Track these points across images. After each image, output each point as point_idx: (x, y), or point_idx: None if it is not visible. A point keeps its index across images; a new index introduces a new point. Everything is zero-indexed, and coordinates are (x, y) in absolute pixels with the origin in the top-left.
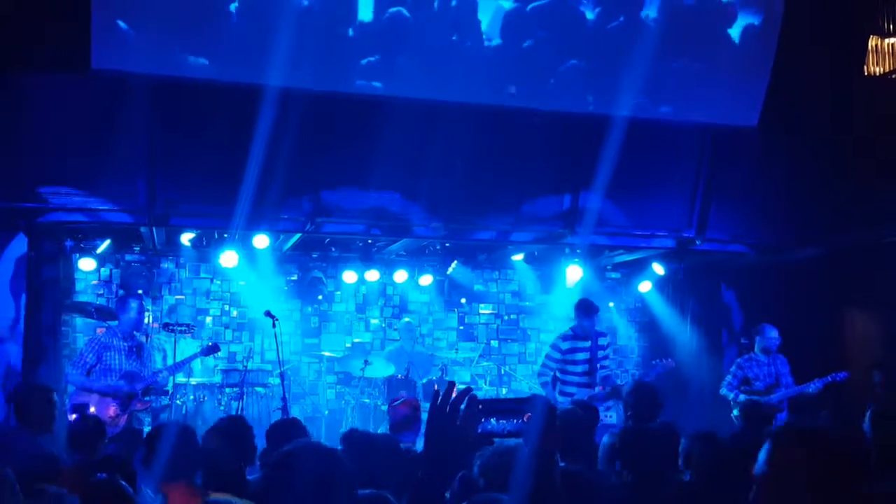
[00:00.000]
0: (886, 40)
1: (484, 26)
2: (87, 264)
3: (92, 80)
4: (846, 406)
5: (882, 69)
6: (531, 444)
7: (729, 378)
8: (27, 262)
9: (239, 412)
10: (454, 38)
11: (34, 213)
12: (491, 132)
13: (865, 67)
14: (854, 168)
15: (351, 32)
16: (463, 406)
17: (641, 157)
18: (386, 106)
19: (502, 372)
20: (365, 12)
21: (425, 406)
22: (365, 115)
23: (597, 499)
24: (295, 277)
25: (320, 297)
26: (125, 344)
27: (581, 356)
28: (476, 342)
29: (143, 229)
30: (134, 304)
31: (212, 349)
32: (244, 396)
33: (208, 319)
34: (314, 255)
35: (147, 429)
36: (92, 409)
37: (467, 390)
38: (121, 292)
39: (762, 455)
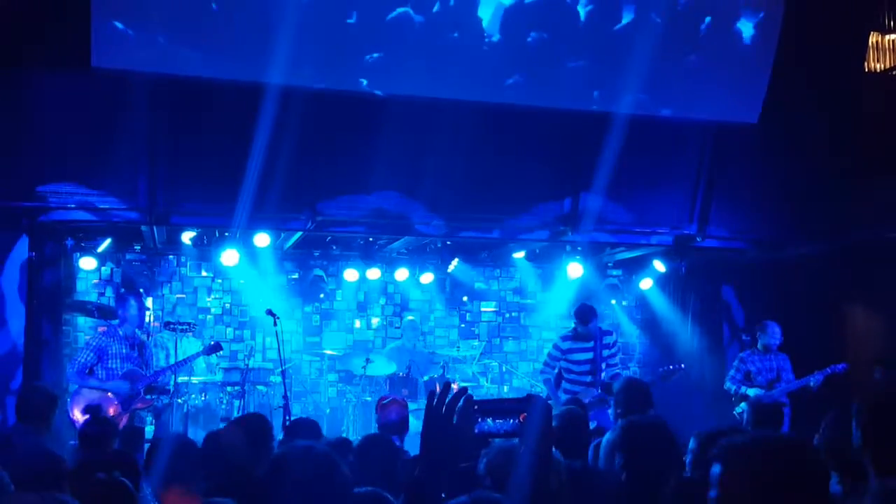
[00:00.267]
0: (887, 37)
1: (485, 24)
2: (87, 263)
3: (93, 79)
4: (850, 406)
5: (883, 65)
6: (528, 443)
7: (732, 372)
8: (28, 261)
9: (240, 410)
10: (455, 35)
11: (35, 211)
12: (492, 130)
13: (866, 64)
14: (855, 165)
15: (352, 31)
16: (460, 406)
17: (642, 155)
18: (387, 104)
19: (503, 369)
20: (365, 11)
21: (413, 406)
22: (366, 113)
23: (598, 494)
24: (296, 276)
25: (321, 295)
26: (126, 342)
27: (581, 356)
28: (477, 340)
29: (143, 228)
30: (134, 303)
31: (214, 348)
32: (245, 395)
33: (209, 318)
34: (315, 254)
35: (149, 427)
36: (111, 411)
37: (463, 390)
38: (122, 291)
39: (712, 477)
